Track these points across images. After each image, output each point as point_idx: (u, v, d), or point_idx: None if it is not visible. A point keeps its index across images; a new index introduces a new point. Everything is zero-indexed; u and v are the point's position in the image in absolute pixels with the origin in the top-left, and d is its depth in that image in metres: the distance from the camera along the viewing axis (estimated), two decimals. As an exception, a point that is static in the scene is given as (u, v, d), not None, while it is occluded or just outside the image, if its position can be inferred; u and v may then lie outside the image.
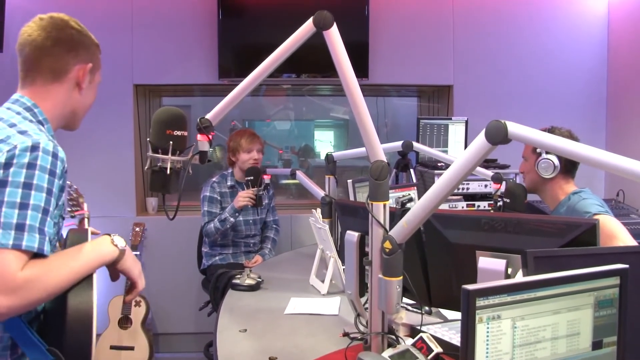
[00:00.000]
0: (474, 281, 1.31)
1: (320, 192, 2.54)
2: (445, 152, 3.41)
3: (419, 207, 1.23)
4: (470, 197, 3.06)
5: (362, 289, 1.49)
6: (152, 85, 3.84)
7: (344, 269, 1.76)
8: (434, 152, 2.82)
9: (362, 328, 1.51)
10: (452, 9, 3.80)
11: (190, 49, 3.70)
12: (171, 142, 1.39)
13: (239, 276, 2.20)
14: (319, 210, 2.41)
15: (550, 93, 3.82)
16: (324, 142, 4.64)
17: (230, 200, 3.15)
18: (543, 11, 3.83)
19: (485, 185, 3.00)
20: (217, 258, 3.23)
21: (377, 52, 3.73)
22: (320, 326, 1.75)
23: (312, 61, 3.07)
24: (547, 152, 2.16)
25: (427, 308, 1.71)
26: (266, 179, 2.86)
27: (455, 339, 1.48)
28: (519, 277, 1.23)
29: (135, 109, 3.74)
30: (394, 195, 2.60)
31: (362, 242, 1.46)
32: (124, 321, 3.27)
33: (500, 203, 2.30)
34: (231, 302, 2.02)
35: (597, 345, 1.01)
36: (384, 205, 1.35)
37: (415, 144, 2.69)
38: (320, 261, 2.25)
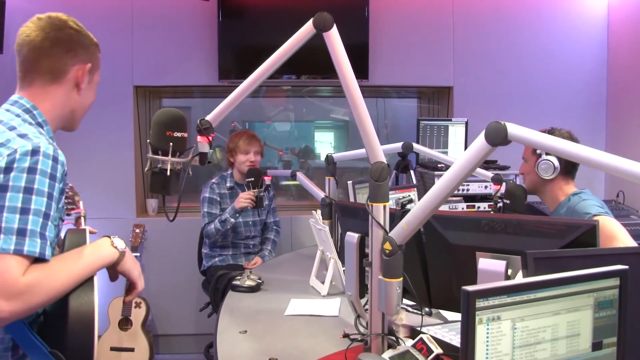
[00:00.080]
0: (474, 282, 1.31)
1: (320, 194, 2.54)
2: (445, 153, 3.41)
3: (419, 208, 1.23)
4: (470, 199, 3.06)
5: (362, 290, 1.49)
6: (152, 86, 3.84)
7: (344, 270, 1.76)
8: (434, 153, 2.82)
9: (362, 329, 1.51)
10: (452, 10, 3.80)
11: (190, 51, 3.70)
12: (171, 144, 1.40)
13: (239, 277, 2.20)
14: (319, 211, 2.41)
15: (550, 94, 3.83)
16: (324, 144, 4.65)
17: (229, 201, 3.15)
18: (543, 12, 3.83)
19: (485, 187, 2.99)
20: (216, 259, 3.23)
21: (377, 53, 3.73)
22: (320, 327, 1.75)
23: (312, 62, 3.07)
24: (547, 154, 2.16)
25: (427, 309, 1.71)
26: (267, 180, 2.86)
27: (455, 340, 1.48)
28: (519, 278, 1.23)
29: (135, 110, 3.74)
30: (394, 196, 2.60)
31: (362, 244, 1.46)
32: (124, 322, 3.27)
33: (500, 204, 2.30)
34: (231, 304, 2.02)
35: (597, 346, 1.01)
36: (384, 207, 1.35)
37: (415, 145, 2.69)
38: (320, 262, 2.25)
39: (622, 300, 1.03)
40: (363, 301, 1.50)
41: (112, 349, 3.21)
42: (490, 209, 2.88)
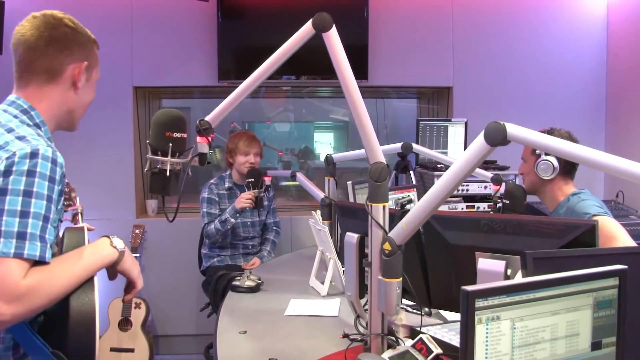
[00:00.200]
0: (474, 282, 1.31)
1: (320, 194, 2.54)
2: (445, 153, 3.41)
3: (418, 208, 1.23)
4: (469, 199, 3.06)
5: (362, 290, 1.49)
6: (151, 87, 3.84)
7: (343, 270, 1.76)
8: (434, 153, 2.82)
9: (361, 329, 1.51)
10: (452, 10, 3.81)
11: (190, 51, 3.70)
12: (171, 144, 1.40)
13: (238, 278, 2.20)
14: (318, 211, 2.41)
15: (550, 94, 3.83)
16: (324, 144, 4.65)
17: (228, 202, 3.15)
18: (542, 13, 3.83)
19: (485, 187, 3.00)
20: (215, 260, 3.23)
21: (376, 54, 3.73)
22: (320, 328, 1.75)
23: (312, 63, 3.07)
24: (546, 154, 2.16)
25: (426, 309, 1.71)
26: (267, 180, 2.87)
27: (454, 340, 1.48)
28: (518, 278, 1.23)
29: (135, 111, 3.74)
30: (394, 196, 2.60)
31: (361, 244, 1.46)
32: (124, 323, 3.27)
33: (499, 204, 2.30)
34: (231, 304, 2.02)
35: (596, 345, 1.02)
36: (384, 207, 1.35)
37: (414, 145, 2.69)
38: (320, 263, 2.25)
39: (621, 300, 1.03)
40: (363, 301, 1.50)
41: (112, 349, 3.21)
42: (489, 209, 2.88)
